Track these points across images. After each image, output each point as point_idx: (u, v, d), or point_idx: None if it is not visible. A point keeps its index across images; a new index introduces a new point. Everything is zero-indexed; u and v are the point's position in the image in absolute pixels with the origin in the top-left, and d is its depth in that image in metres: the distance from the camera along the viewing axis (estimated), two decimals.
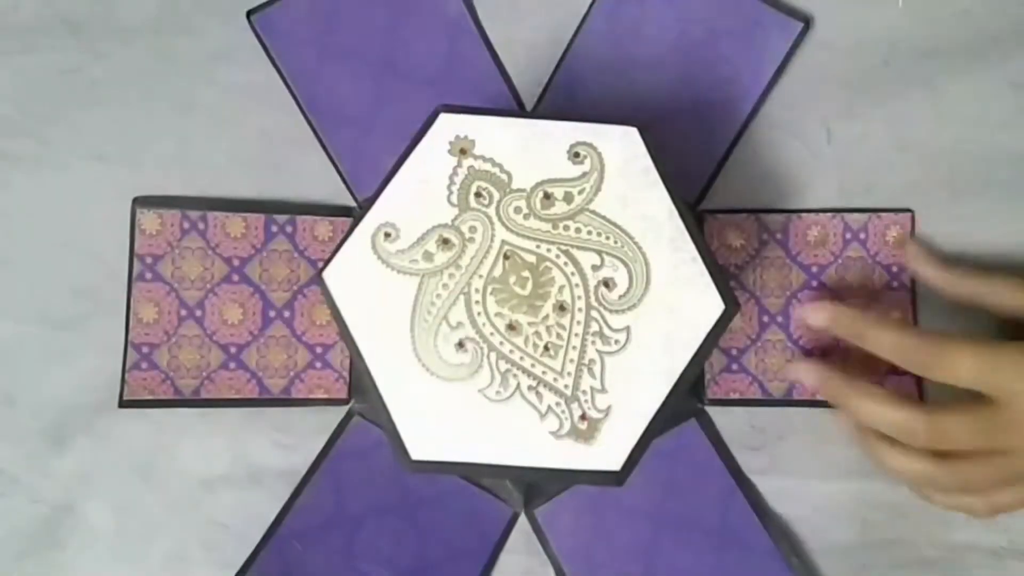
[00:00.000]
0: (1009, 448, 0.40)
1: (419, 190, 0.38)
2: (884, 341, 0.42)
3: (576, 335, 0.38)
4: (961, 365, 0.40)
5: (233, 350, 0.47)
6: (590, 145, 0.38)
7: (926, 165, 0.48)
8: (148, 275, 0.47)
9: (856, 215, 0.48)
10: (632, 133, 0.37)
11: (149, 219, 0.47)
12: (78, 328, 0.47)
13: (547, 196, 0.38)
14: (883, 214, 0.47)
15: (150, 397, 0.46)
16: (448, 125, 0.38)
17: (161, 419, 0.47)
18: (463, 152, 0.39)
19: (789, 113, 0.48)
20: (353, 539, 0.46)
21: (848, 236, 0.47)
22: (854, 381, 0.42)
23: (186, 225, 0.47)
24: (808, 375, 0.45)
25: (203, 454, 0.47)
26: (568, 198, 0.38)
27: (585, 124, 0.38)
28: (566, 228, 0.38)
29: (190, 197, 0.48)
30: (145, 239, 0.47)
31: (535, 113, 0.47)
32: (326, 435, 0.47)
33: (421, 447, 0.37)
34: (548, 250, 0.38)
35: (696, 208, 0.47)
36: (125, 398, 0.46)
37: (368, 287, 0.38)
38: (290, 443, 0.47)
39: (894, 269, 0.47)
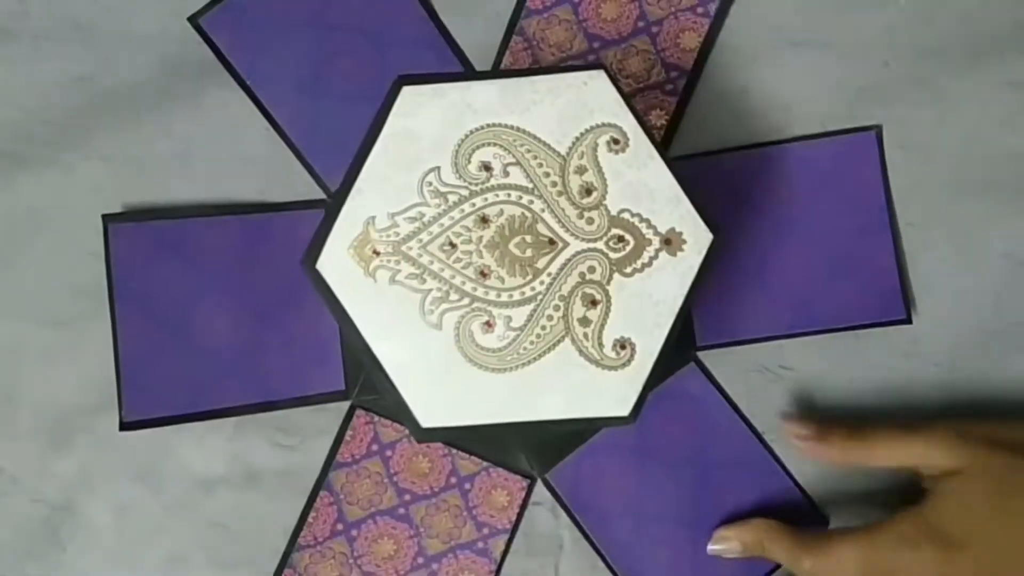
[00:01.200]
0: None
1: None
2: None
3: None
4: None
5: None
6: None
7: (926, 165, 0.48)
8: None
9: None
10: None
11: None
12: (78, 328, 0.47)
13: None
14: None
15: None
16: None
17: None
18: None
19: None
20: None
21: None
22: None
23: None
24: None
25: (203, 455, 0.47)
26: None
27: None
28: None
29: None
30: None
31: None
32: (326, 435, 0.47)
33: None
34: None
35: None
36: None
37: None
38: (289, 444, 0.47)
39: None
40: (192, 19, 0.48)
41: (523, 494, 0.47)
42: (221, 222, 0.47)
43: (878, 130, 0.48)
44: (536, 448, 0.47)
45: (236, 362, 0.47)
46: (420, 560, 0.46)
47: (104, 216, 0.47)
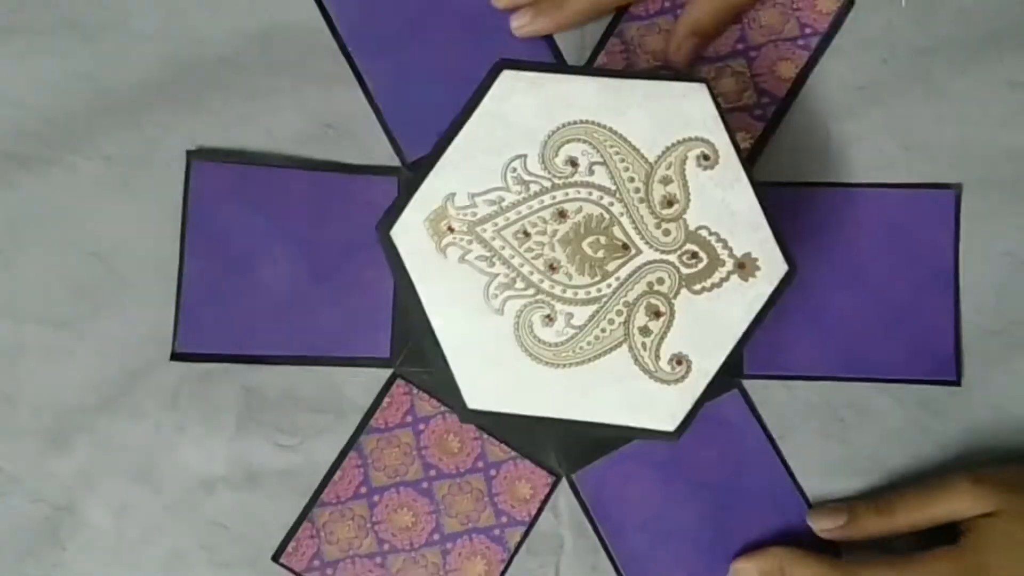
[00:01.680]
0: None
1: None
2: None
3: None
4: None
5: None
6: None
7: (925, 164, 0.48)
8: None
9: None
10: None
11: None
12: (78, 328, 0.47)
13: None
14: None
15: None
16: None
17: (161, 419, 0.47)
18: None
19: None
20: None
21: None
22: None
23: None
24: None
25: (203, 455, 0.47)
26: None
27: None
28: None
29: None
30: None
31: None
32: (325, 435, 0.47)
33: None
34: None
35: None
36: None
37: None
38: (290, 444, 0.47)
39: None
40: None
41: (547, 490, 0.47)
42: (297, 175, 0.48)
43: (958, 190, 0.48)
44: (568, 447, 0.47)
45: (289, 313, 0.47)
46: (436, 536, 0.47)
47: (188, 152, 0.48)
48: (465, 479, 0.47)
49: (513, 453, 0.47)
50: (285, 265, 0.47)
